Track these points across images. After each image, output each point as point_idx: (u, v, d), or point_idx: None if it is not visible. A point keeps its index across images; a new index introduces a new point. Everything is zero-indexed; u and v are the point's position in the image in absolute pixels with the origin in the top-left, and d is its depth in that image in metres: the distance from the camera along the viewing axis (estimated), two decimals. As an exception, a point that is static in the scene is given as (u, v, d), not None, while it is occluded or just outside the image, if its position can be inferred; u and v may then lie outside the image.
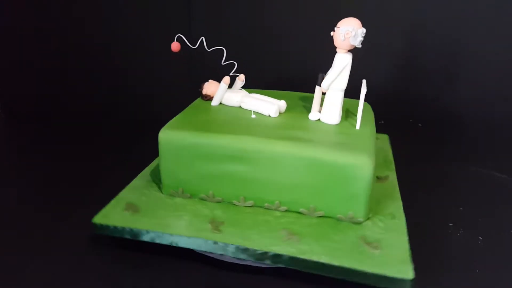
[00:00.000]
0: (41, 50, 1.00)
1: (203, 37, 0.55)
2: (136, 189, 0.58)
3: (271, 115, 0.58)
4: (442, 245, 0.55)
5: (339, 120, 0.57)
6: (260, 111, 0.59)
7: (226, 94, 0.61)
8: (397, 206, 0.55)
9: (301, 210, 0.53)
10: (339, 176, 0.50)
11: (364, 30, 0.50)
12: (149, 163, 0.65)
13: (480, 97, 0.95)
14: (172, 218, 0.51)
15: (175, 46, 0.54)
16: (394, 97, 0.99)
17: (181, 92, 0.70)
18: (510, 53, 0.93)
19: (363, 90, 0.54)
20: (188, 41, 0.56)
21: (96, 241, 0.54)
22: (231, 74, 0.60)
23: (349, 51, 0.53)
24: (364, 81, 0.55)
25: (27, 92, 1.00)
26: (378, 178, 0.62)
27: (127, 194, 0.56)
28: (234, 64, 0.59)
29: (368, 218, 0.53)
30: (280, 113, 0.60)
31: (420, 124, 0.92)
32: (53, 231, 0.56)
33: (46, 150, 0.80)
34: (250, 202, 0.54)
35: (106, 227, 0.51)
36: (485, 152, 0.81)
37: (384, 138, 0.76)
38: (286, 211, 0.54)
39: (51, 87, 1.01)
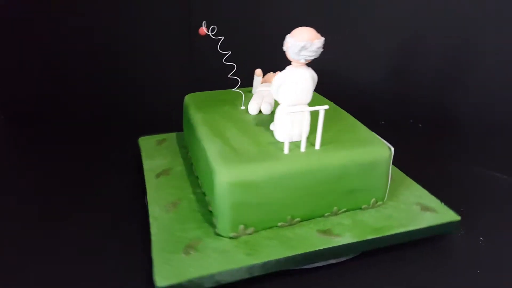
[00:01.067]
0: (41, 51, 0.99)
1: (215, 27, 0.54)
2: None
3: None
4: (442, 246, 0.55)
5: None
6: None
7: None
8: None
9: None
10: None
11: (316, 44, 0.44)
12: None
13: (481, 97, 0.94)
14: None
15: (202, 30, 0.54)
16: (394, 98, 0.99)
17: (181, 91, 0.68)
18: (513, 53, 0.91)
19: (321, 113, 0.49)
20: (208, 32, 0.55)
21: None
22: (229, 76, 0.60)
23: (306, 64, 0.47)
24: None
25: (27, 92, 0.99)
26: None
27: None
28: (234, 66, 0.58)
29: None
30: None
31: (420, 125, 0.91)
32: (53, 232, 0.56)
33: (46, 150, 0.80)
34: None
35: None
36: (486, 153, 0.81)
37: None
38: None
39: (51, 87, 1.01)
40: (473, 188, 0.68)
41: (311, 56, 0.45)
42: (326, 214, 0.54)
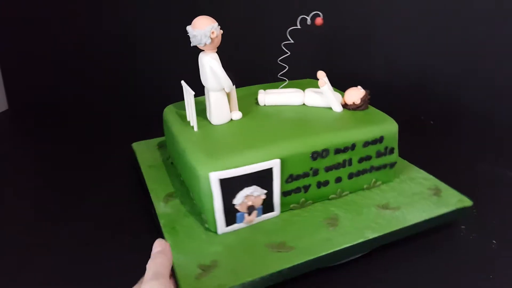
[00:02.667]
0: (52, 47, 1.03)
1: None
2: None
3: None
4: (454, 250, 0.53)
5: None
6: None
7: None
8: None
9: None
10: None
11: (202, 30, 0.49)
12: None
13: (493, 95, 0.93)
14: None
15: (319, 20, 0.54)
16: (406, 94, 0.98)
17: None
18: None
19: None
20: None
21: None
22: (279, 75, 0.61)
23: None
24: None
25: (35, 89, 1.03)
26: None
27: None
28: (286, 67, 0.60)
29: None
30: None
31: (432, 122, 0.91)
32: (54, 232, 0.56)
33: (53, 148, 0.81)
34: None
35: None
36: (497, 151, 0.78)
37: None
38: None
39: (60, 84, 1.04)
40: (485, 188, 0.66)
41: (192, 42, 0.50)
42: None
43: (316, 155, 0.51)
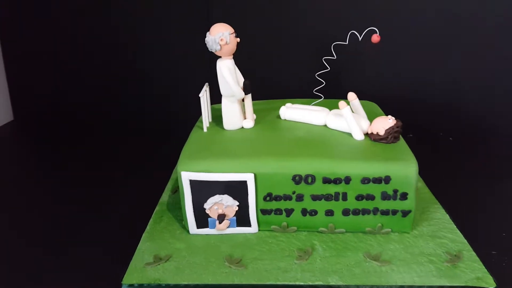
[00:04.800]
0: (58, 53, 0.97)
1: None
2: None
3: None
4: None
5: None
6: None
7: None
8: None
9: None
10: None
11: (212, 37, 0.51)
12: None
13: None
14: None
15: (375, 38, 0.53)
16: (423, 109, 0.90)
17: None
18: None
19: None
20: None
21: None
22: (315, 91, 0.60)
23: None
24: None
25: (41, 100, 0.99)
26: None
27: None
28: (323, 82, 0.59)
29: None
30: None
31: (450, 138, 0.84)
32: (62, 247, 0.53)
33: (57, 157, 0.79)
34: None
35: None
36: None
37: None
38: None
39: (67, 95, 0.99)
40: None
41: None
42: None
43: (298, 179, 0.47)
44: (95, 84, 0.98)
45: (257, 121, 0.58)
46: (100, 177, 0.71)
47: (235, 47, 0.53)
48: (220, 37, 0.51)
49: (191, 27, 0.93)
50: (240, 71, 0.57)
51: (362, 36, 0.54)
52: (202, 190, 0.48)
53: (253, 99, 0.58)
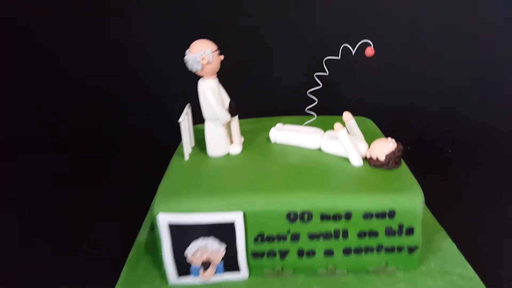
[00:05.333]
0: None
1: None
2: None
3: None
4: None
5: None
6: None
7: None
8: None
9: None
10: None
11: (193, 55, 0.45)
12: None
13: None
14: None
15: (369, 51, 0.48)
16: (420, 118, 0.86)
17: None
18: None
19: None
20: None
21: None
22: (307, 109, 0.55)
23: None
24: None
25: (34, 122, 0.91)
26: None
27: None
28: (315, 100, 0.54)
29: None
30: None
31: (450, 150, 0.80)
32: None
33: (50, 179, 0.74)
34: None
35: None
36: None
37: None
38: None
39: (60, 118, 0.92)
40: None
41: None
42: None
43: (294, 217, 0.42)
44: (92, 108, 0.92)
45: (245, 145, 0.53)
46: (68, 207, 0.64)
47: (219, 66, 0.47)
48: (202, 55, 0.45)
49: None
50: (226, 88, 0.51)
51: (355, 49, 0.49)
52: (184, 235, 0.42)
53: (240, 117, 0.52)
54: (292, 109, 0.62)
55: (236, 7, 0.88)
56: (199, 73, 0.47)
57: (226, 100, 0.51)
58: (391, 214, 0.42)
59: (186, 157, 0.51)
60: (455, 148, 0.81)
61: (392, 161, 0.46)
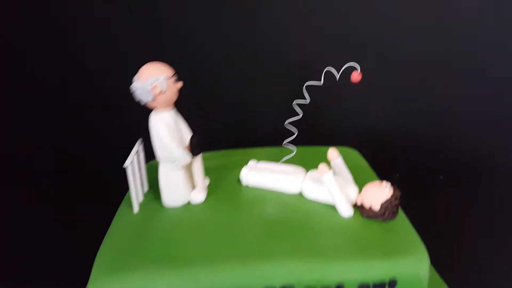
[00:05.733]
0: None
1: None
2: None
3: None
4: None
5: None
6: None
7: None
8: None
9: None
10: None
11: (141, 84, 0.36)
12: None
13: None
14: None
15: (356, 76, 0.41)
16: (411, 143, 0.79)
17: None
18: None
19: None
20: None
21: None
22: (284, 144, 0.47)
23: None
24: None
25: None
26: None
27: None
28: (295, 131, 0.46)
29: None
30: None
31: (441, 176, 0.74)
32: None
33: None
34: None
35: None
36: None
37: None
38: None
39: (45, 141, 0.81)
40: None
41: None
42: None
43: (273, 293, 0.33)
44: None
45: (210, 189, 0.44)
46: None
47: (176, 95, 0.38)
48: (153, 83, 0.35)
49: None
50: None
51: (339, 74, 0.42)
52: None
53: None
54: (270, 138, 0.54)
55: (210, 26, 0.78)
56: (151, 105, 0.37)
57: (187, 135, 0.41)
58: (392, 284, 0.34)
59: (135, 209, 0.41)
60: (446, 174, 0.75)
61: (388, 211, 0.38)
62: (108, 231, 0.39)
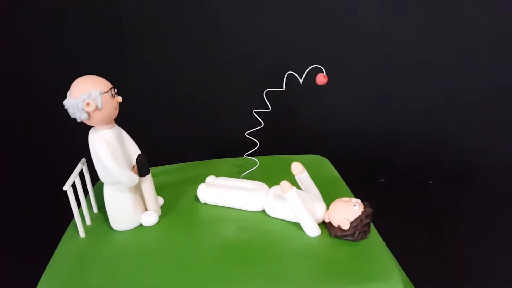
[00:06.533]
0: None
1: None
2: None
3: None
4: None
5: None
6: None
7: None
8: None
9: None
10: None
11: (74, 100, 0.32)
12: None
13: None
14: None
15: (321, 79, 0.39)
16: (396, 147, 0.76)
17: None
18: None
19: None
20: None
21: None
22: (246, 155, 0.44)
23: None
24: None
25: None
26: None
27: None
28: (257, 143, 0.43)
29: None
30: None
31: (430, 182, 0.73)
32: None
33: None
34: None
35: None
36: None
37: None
38: None
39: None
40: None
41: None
42: None
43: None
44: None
45: (165, 209, 0.40)
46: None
47: (116, 110, 0.34)
48: (85, 100, 0.31)
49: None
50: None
51: (303, 77, 0.39)
52: None
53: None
54: (233, 149, 0.50)
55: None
56: (88, 122, 0.33)
57: (134, 153, 0.37)
58: (363, 315, 0.30)
59: (81, 234, 0.36)
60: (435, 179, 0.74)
61: (359, 231, 0.35)
62: (51, 258, 0.34)
